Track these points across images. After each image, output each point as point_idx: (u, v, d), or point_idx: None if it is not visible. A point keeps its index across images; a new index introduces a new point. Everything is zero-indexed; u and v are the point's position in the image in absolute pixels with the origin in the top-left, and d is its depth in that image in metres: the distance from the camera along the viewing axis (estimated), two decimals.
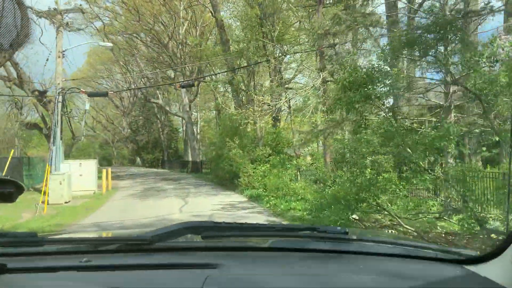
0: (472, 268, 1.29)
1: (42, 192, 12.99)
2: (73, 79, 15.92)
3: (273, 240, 1.51)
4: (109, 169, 18.49)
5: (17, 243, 1.42)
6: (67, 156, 33.70)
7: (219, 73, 21.68)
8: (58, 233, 2.49)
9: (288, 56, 20.50)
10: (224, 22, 23.19)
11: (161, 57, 33.58)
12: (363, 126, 6.70)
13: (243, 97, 20.66)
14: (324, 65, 14.17)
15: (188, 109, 34.14)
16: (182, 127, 44.04)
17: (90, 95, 15.49)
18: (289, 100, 14.81)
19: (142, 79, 38.06)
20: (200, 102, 41.58)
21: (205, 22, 32.98)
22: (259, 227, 1.61)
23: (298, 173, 15.71)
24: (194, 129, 39.92)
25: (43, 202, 13.82)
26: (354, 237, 1.60)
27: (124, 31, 32.55)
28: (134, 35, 33.61)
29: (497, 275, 1.19)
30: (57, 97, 15.88)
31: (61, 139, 16.59)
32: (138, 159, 58.91)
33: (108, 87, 60.16)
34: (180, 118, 40.47)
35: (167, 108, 36.12)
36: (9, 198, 1.37)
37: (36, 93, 17.12)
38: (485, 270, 1.24)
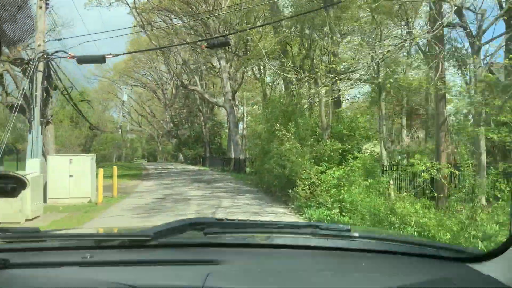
0: (475, 266, 1.25)
1: None
2: (59, 39, 11.11)
3: (275, 237, 1.49)
4: (115, 168, 13.50)
5: (19, 239, 1.44)
6: (87, 150, 29.71)
7: (267, 24, 15.96)
8: (60, 229, 2.19)
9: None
10: None
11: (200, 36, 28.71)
12: None
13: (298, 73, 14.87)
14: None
15: (230, 97, 28.81)
16: (228, 122, 39.29)
17: (80, 60, 10.61)
18: (380, 60, 8.74)
19: (180, 64, 33.69)
20: (247, 94, 36.68)
21: None
22: (261, 224, 1.59)
23: (392, 184, 9.64)
24: (240, 125, 34.99)
25: None
26: (357, 235, 1.50)
27: (158, 5, 28.04)
28: (170, 11, 29.06)
29: (500, 273, 1.14)
30: (35, 63, 11.11)
31: (45, 124, 11.85)
32: (180, 155, 55.26)
33: (150, 78, 57.41)
34: (225, 111, 35.60)
35: (206, 96, 31.09)
36: (11, 193, 1.30)
37: (18, 61, 12.52)
38: (489, 268, 1.20)
